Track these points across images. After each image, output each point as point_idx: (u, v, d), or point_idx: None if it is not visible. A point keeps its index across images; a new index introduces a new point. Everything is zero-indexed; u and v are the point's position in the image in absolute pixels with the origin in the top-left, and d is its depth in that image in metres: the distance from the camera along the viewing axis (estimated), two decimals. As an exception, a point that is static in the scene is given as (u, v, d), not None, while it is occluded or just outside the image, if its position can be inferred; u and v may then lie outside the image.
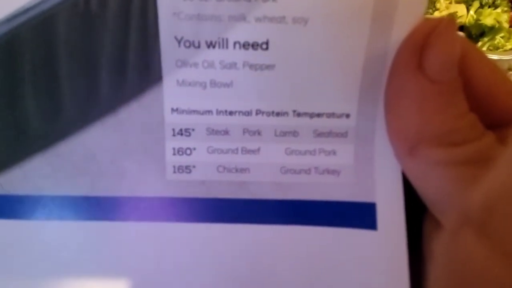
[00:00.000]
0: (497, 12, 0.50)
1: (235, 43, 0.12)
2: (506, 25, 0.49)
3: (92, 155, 0.13)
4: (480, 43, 0.51)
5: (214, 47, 0.12)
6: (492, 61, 0.13)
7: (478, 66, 0.12)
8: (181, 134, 0.13)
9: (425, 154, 0.11)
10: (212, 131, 0.13)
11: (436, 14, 0.53)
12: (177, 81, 0.12)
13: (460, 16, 0.52)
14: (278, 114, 0.13)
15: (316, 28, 0.12)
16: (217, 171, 0.13)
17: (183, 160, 0.13)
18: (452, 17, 0.12)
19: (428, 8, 0.54)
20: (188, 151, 0.13)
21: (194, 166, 0.13)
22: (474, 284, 0.10)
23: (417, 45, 0.11)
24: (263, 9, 0.12)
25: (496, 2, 0.51)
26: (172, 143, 0.13)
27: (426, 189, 0.12)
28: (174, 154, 0.13)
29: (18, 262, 0.13)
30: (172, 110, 0.13)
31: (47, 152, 0.13)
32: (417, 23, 0.12)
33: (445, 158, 0.11)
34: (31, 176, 0.13)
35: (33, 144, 0.13)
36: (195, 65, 0.12)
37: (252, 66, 0.12)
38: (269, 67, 0.13)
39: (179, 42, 0.12)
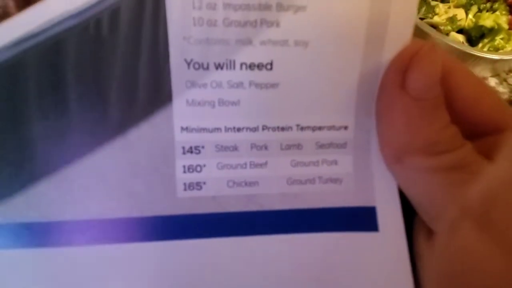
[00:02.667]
0: (496, 15, 0.51)
1: (241, 64, 0.13)
2: (505, 26, 0.50)
3: (101, 177, 0.13)
4: (480, 45, 0.51)
5: (222, 68, 0.13)
6: (477, 76, 0.14)
7: (463, 81, 0.13)
8: (191, 152, 0.13)
9: (411, 161, 0.12)
10: (221, 148, 0.14)
11: (436, 18, 0.54)
12: (187, 101, 0.13)
13: (460, 20, 0.53)
14: (283, 129, 0.14)
15: (316, 50, 0.13)
16: (227, 186, 0.14)
17: (194, 177, 0.13)
18: (434, 45, 0.13)
19: (428, 12, 0.54)
20: (198, 168, 0.14)
21: (204, 183, 0.14)
22: (473, 276, 0.10)
23: (402, 67, 0.12)
24: (267, 34, 0.13)
25: (494, 6, 0.51)
26: (182, 161, 0.13)
27: (414, 194, 0.13)
28: (184, 171, 0.13)
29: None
30: (182, 129, 0.13)
31: (54, 176, 0.13)
32: (405, 44, 0.13)
33: (429, 165, 0.12)
34: (37, 202, 0.13)
35: (40, 169, 0.13)
36: (204, 85, 0.13)
37: (258, 85, 0.13)
38: (274, 85, 0.13)
39: (188, 64, 0.13)
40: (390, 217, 0.14)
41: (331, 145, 0.14)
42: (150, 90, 0.13)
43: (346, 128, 0.14)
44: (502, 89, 0.57)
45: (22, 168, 0.13)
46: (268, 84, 0.13)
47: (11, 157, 0.13)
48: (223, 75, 0.13)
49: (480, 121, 0.13)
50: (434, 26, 0.52)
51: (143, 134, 0.13)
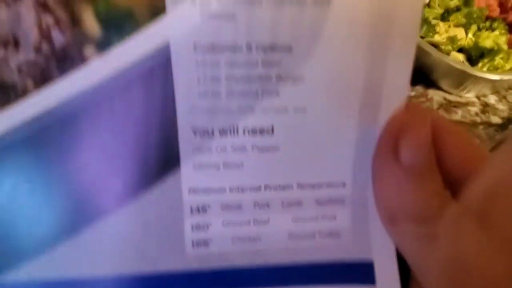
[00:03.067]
0: (496, 35, 0.51)
1: (244, 130, 0.14)
2: (504, 46, 0.50)
3: (116, 238, 0.14)
4: (480, 64, 0.52)
5: (226, 134, 0.14)
6: (465, 133, 0.15)
7: (450, 139, 0.14)
8: (198, 211, 0.14)
9: (401, 226, 0.13)
10: (226, 207, 0.14)
11: (436, 37, 0.54)
12: (194, 165, 0.14)
13: (460, 39, 0.53)
14: (284, 187, 0.15)
15: (314, 115, 0.14)
16: (232, 242, 0.14)
17: (201, 235, 0.14)
18: (425, 116, 0.14)
19: (428, 31, 0.55)
20: (205, 226, 0.14)
21: (211, 240, 0.14)
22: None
23: (393, 135, 0.13)
24: (268, 102, 0.13)
25: (493, 25, 0.52)
26: (190, 220, 0.14)
27: (405, 254, 0.14)
28: (192, 230, 0.14)
29: None
30: (190, 190, 0.14)
31: (73, 238, 0.14)
32: (401, 105, 0.14)
33: (416, 232, 0.13)
34: (58, 262, 0.14)
35: (61, 232, 0.14)
36: (209, 150, 0.14)
37: (260, 149, 0.14)
38: (275, 148, 0.14)
39: (195, 132, 0.14)
40: (387, 271, 0.15)
41: (329, 201, 0.15)
42: (160, 157, 0.14)
43: (344, 185, 0.15)
44: (501, 106, 0.57)
45: (46, 231, 0.14)
46: (270, 148, 0.14)
47: (36, 223, 0.14)
48: (227, 140, 0.14)
49: (463, 171, 0.13)
50: (435, 45, 0.53)
51: (154, 197, 0.14)
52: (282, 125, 0.14)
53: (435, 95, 0.58)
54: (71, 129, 0.13)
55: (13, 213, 0.13)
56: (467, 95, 0.56)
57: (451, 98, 0.59)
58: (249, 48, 0.13)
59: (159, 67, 0.13)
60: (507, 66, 0.52)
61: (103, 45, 0.12)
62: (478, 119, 0.56)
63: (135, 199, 0.14)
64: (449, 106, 0.59)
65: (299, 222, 0.15)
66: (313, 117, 0.14)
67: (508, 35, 0.52)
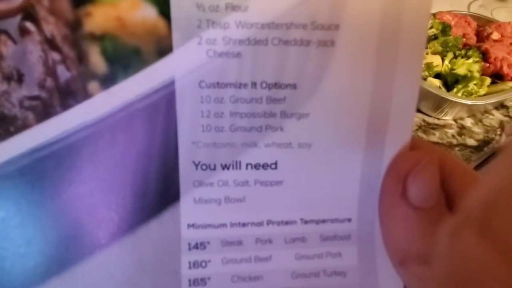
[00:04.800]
0: (469, 63, 0.54)
1: (247, 165, 0.14)
2: (477, 74, 0.53)
3: (109, 274, 0.13)
4: (455, 90, 0.55)
5: (228, 168, 0.14)
6: (466, 165, 0.15)
7: (453, 170, 0.14)
8: (197, 248, 0.14)
9: (412, 267, 0.13)
10: (227, 243, 0.14)
11: (414, 62, 0.57)
12: (194, 199, 0.14)
13: (436, 66, 0.56)
14: (287, 223, 0.14)
15: (319, 151, 0.14)
16: (231, 281, 0.14)
17: (199, 273, 0.14)
18: (432, 154, 0.14)
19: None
20: (204, 264, 0.14)
21: (209, 278, 0.14)
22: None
23: (402, 175, 0.13)
24: (272, 137, 0.13)
25: (468, 53, 0.55)
26: (188, 257, 0.14)
27: None
28: (189, 267, 0.14)
29: None
30: (189, 225, 0.14)
31: (64, 275, 0.13)
32: (405, 142, 0.14)
33: (424, 274, 0.12)
34: None
35: (51, 267, 0.13)
36: (211, 184, 0.14)
37: (263, 183, 0.14)
38: (278, 183, 0.14)
39: (196, 165, 0.13)
40: None
41: (335, 237, 0.14)
42: (159, 190, 0.13)
43: (349, 220, 0.14)
44: (477, 129, 0.59)
45: (35, 267, 0.13)
46: (273, 182, 0.14)
47: (25, 257, 0.13)
48: (229, 175, 0.14)
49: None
50: (413, 70, 0.55)
51: (151, 231, 0.14)
52: (286, 160, 0.14)
53: (415, 117, 0.60)
54: (68, 161, 0.13)
55: (1, 245, 0.13)
56: (444, 117, 0.58)
57: (430, 120, 0.61)
58: (253, 85, 0.13)
59: (163, 101, 0.13)
60: (481, 92, 0.54)
61: (108, 81, 0.12)
62: (454, 141, 0.58)
63: (130, 234, 0.13)
64: (427, 128, 0.61)
65: (303, 259, 0.14)
66: (318, 152, 0.14)
67: (482, 63, 0.54)
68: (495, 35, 0.56)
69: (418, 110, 0.59)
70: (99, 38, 0.12)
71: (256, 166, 0.14)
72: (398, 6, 0.12)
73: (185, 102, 0.13)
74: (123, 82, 0.12)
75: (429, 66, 0.55)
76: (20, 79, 0.12)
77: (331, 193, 0.14)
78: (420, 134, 0.57)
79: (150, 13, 0.12)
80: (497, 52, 0.54)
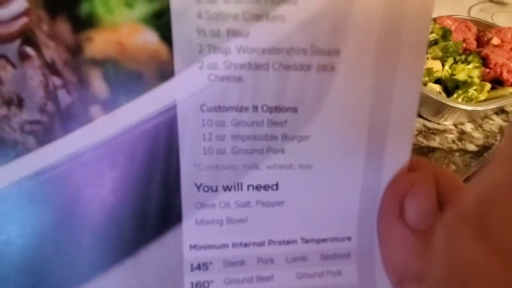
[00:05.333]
0: (469, 68, 0.54)
1: (249, 186, 0.14)
2: (477, 80, 0.53)
3: None
4: (455, 95, 0.55)
5: (230, 190, 0.14)
6: (462, 182, 0.15)
7: (448, 186, 0.14)
8: (199, 269, 0.14)
9: (407, 287, 0.13)
10: (229, 263, 0.14)
11: (414, 67, 0.57)
12: (196, 220, 0.14)
13: (436, 71, 0.56)
14: (288, 242, 0.14)
15: (319, 171, 0.14)
16: (234, 301, 0.14)
17: None
18: (429, 175, 0.14)
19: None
20: (206, 284, 0.14)
21: None
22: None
23: (399, 196, 0.13)
24: (273, 159, 0.14)
25: (468, 59, 0.55)
26: (191, 278, 0.14)
27: None
28: None
29: None
30: (191, 246, 0.14)
31: None
32: (404, 162, 0.14)
33: None
34: None
35: None
36: (213, 206, 0.14)
37: (264, 204, 0.14)
38: (279, 203, 0.14)
39: (198, 187, 0.13)
40: None
41: (335, 255, 0.15)
42: (161, 213, 0.13)
43: (349, 238, 0.15)
44: (477, 134, 0.60)
45: None
46: (274, 202, 0.14)
47: (25, 280, 0.13)
48: (231, 196, 0.14)
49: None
50: (413, 75, 0.55)
51: (152, 254, 0.14)
52: (287, 181, 0.14)
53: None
54: (69, 185, 0.13)
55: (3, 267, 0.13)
56: (445, 122, 0.58)
57: (430, 125, 0.61)
58: (255, 108, 0.13)
59: (164, 125, 0.13)
60: (481, 97, 0.54)
61: (109, 105, 0.12)
62: (454, 146, 0.58)
63: (132, 256, 0.13)
64: (427, 132, 0.61)
65: (304, 278, 0.15)
66: (318, 173, 0.14)
67: (482, 68, 0.54)
68: (495, 40, 0.56)
69: (419, 115, 0.59)
70: (101, 62, 0.12)
71: (258, 187, 0.14)
72: (397, 32, 0.12)
73: (187, 125, 0.13)
74: (125, 106, 0.12)
75: (429, 71, 0.55)
76: (20, 103, 0.12)
77: (331, 212, 0.14)
78: (421, 139, 0.57)
79: (151, 38, 0.12)
80: (497, 57, 0.54)
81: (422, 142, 0.58)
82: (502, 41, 0.56)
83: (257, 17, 0.12)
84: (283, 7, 0.12)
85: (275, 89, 0.13)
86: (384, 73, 0.13)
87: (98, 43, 0.12)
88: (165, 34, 0.12)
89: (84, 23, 0.11)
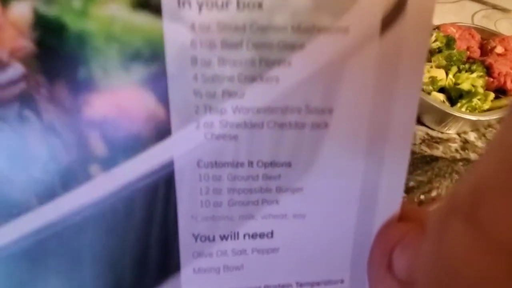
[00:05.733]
0: (473, 78, 0.54)
1: (245, 235, 0.14)
2: (481, 90, 0.53)
3: None
4: (459, 105, 0.54)
5: (226, 239, 0.14)
6: None
7: None
8: None
9: None
10: (226, 309, 0.14)
11: (417, 76, 0.57)
12: (194, 269, 0.14)
13: (440, 80, 0.56)
14: (283, 286, 0.15)
15: (313, 220, 0.14)
16: None
17: None
18: (419, 226, 0.14)
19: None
20: None
21: None
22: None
23: (388, 249, 0.13)
24: (268, 209, 0.14)
25: (472, 68, 0.54)
26: None
27: None
28: None
29: None
30: None
31: None
32: (395, 209, 0.14)
33: None
34: None
35: None
36: (210, 254, 0.14)
37: (260, 251, 0.14)
38: (274, 250, 0.14)
39: (196, 238, 0.14)
40: None
41: None
42: (160, 262, 0.14)
43: (342, 281, 0.15)
44: (481, 143, 0.59)
45: None
46: (269, 249, 0.14)
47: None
48: (228, 245, 0.14)
49: None
50: (416, 83, 0.55)
51: None
52: (281, 229, 0.14)
53: (418, 130, 0.60)
54: (70, 240, 0.13)
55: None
56: (448, 131, 0.58)
57: (433, 133, 0.61)
58: (250, 164, 0.13)
59: (162, 180, 0.13)
60: (485, 107, 0.54)
61: (108, 163, 0.12)
62: (458, 156, 0.58)
63: None
64: (430, 141, 0.61)
65: None
66: (312, 221, 0.14)
67: (486, 78, 0.54)
68: (499, 49, 0.55)
69: (422, 123, 0.58)
70: (99, 123, 0.12)
71: (253, 236, 0.14)
72: (389, 93, 0.13)
73: (184, 180, 0.13)
74: (124, 164, 0.12)
75: (433, 80, 0.54)
76: (21, 165, 0.12)
77: (325, 256, 0.15)
78: (424, 148, 0.57)
79: (148, 100, 0.12)
80: (500, 67, 0.53)
81: (426, 151, 0.58)
82: (505, 49, 0.55)
83: (252, 79, 0.12)
84: (277, 69, 0.12)
85: (270, 146, 0.13)
86: (376, 129, 0.13)
87: (97, 106, 0.12)
88: (162, 96, 0.12)
89: (82, 87, 0.12)
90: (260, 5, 0.11)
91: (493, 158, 0.10)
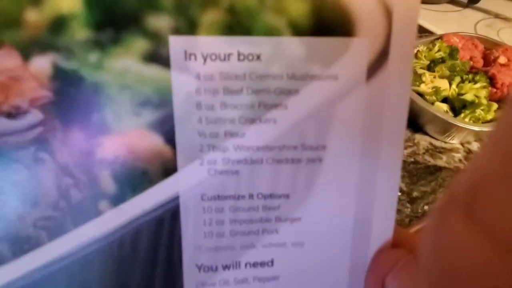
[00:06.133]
0: (477, 88, 0.54)
1: (246, 264, 0.15)
2: (484, 101, 0.53)
3: None
4: (462, 115, 0.55)
5: (229, 269, 0.15)
6: None
7: None
8: None
9: None
10: (229, 333, 0.15)
11: (422, 86, 0.57)
12: (198, 298, 0.15)
13: (444, 90, 0.56)
14: None
15: (311, 248, 0.15)
16: None
17: None
18: (411, 244, 0.15)
19: (415, 81, 0.58)
20: None
21: None
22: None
23: (380, 277, 0.14)
24: (268, 239, 0.15)
25: (475, 78, 0.55)
26: None
27: None
28: None
29: None
30: None
31: None
32: (387, 239, 0.15)
33: None
34: None
35: None
36: (213, 284, 0.15)
37: (261, 279, 0.15)
38: (275, 278, 0.15)
39: (199, 268, 0.15)
40: None
41: None
42: (164, 292, 0.15)
43: None
44: (485, 153, 0.59)
45: None
46: (270, 278, 0.15)
47: None
48: (230, 274, 0.15)
49: None
50: (421, 94, 0.56)
51: None
52: (281, 257, 0.15)
53: (422, 140, 0.60)
54: (79, 272, 0.14)
55: None
56: (452, 141, 0.58)
57: (437, 143, 0.61)
58: (251, 196, 0.14)
59: (168, 214, 0.14)
60: (488, 117, 0.54)
61: (117, 200, 0.13)
62: (461, 166, 0.58)
63: None
64: (434, 151, 0.61)
65: None
66: (310, 249, 0.15)
67: (489, 88, 0.54)
68: (502, 59, 0.55)
69: (426, 133, 0.59)
70: (110, 163, 0.13)
71: (255, 265, 0.15)
72: (376, 130, 0.13)
73: (189, 213, 0.14)
74: (132, 200, 0.13)
75: (436, 90, 0.55)
76: (34, 203, 0.13)
77: (323, 282, 0.15)
78: (427, 157, 0.57)
79: (157, 141, 0.13)
80: (504, 77, 0.53)
81: (429, 161, 0.58)
82: (508, 60, 0.55)
83: (252, 120, 0.13)
84: (275, 111, 0.13)
85: (269, 180, 0.14)
86: (366, 162, 0.14)
87: (108, 147, 0.13)
88: (169, 137, 0.13)
89: (95, 130, 0.13)
90: (258, 57, 0.12)
91: (490, 152, 0.10)
